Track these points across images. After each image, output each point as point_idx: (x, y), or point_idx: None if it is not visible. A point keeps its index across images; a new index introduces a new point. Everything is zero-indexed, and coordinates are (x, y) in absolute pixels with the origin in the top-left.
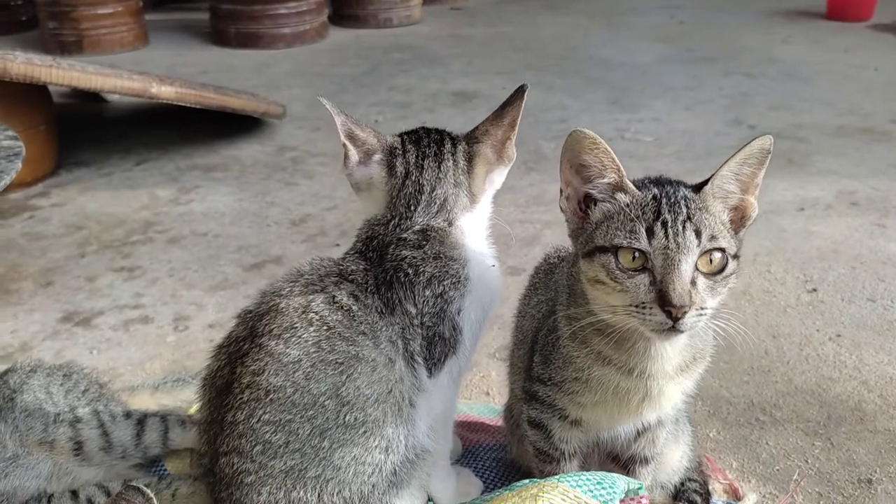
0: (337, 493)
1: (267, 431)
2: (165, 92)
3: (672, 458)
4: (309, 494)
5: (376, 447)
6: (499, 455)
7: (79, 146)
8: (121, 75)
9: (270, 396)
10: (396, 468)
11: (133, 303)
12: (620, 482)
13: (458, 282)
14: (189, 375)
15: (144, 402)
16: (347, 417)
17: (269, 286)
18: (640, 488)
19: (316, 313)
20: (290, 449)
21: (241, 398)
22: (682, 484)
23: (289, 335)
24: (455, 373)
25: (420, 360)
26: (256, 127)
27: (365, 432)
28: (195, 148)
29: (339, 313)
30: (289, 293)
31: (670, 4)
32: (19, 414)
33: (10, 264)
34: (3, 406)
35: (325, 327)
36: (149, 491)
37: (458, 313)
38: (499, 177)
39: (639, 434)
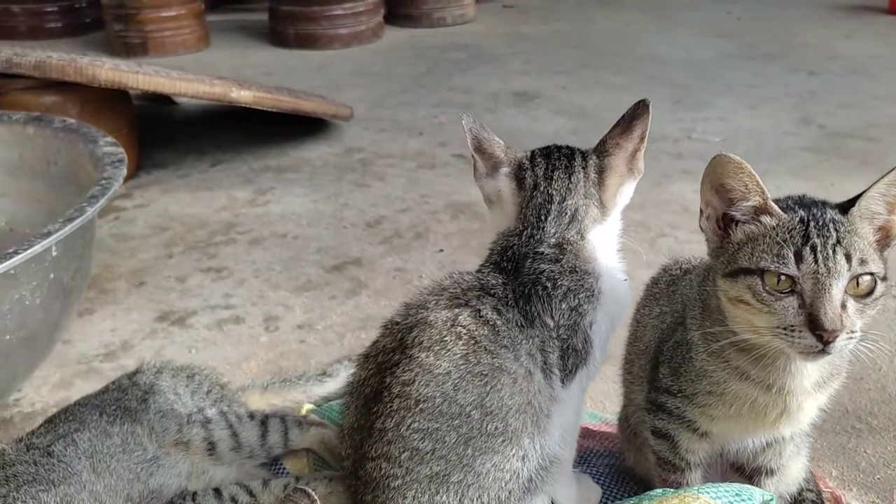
0: (477, 498)
1: (415, 439)
2: (244, 96)
3: (794, 470)
4: (451, 498)
5: (514, 455)
6: (610, 462)
7: (154, 148)
8: (203, 80)
9: (420, 406)
10: (532, 475)
11: (223, 303)
12: (756, 494)
13: (592, 295)
14: (294, 377)
15: (255, 401)
16: (490, 427)
17: (413, 299)
18: (771, 500)
19: (463, 327)
20: (436, 455)
21: (392, 406)
22: (800, 494)
23: (438, 348)
24: (584, 383)
25: (556, 371)
26: (322, 128)
27: (504, 441)
28: (266, 149)
29: (484, 327)
30: (434, 306)
31: None
32: (154, 415)
33: (103, 264)
34: (138, 408)
35: (472, 341)
36: (314, 494)
37: (591, 326)
38: (628, 190)
39: (767, 446)
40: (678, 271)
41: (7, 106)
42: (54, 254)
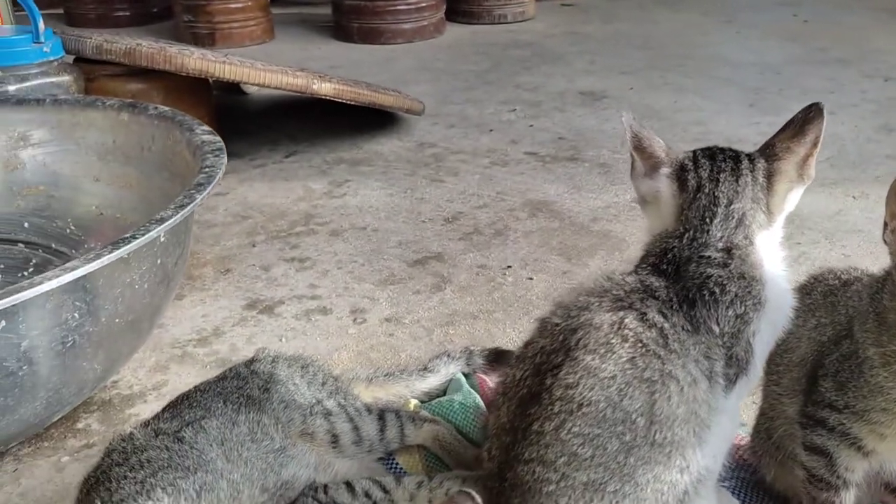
0: None
1: (575, 444)
2: (325, 88)
3: None
4: None
5: (676, 467)
6: (744, 475)
7: (229, 138)
8: (285, 71)
9: (583, 410)
10: (687, 488)
11: (309, 293)
12: None
13: (758, 303)
14: (397, 370)
15: (361, 394)
16: (657, 436)
17: (570, 299)
18: None
19: (630, 330)
20: (595, 462)
21: (552, 409)
22: None
23: (604, 350)
24: (742, 394)
25: (721, 380)
26: (391, 122)
27: (669, 452)
28: (338, 142)
29: (652, 331)
30: (598, 308)
31: (790, 1)
32: (278, 405)
33: (189, 251)
34: (261, 397)
35: (639, 344)
36: (478, 497)
37: (754, 335)
38: (796, 196)
39: None
40: (836, 282)
41: (95, 92)
42: (162, 240)
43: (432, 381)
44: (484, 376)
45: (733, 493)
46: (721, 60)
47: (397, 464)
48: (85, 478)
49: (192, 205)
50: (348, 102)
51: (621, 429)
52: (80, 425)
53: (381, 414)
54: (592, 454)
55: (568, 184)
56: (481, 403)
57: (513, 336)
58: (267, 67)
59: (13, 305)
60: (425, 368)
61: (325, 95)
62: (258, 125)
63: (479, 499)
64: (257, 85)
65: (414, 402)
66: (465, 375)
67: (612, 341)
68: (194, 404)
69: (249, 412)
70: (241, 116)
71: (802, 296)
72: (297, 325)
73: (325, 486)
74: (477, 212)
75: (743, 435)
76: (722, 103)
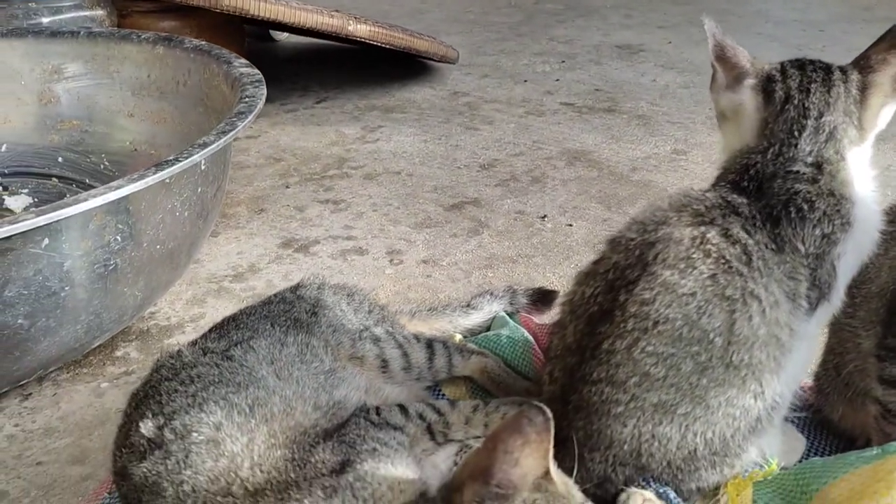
0: (701, 433)
1: (648, 364)
2: (361, 30)
3: None
4: (674, 431)
5: (751, 392)
6: (805, 415)
7: None
8: (321, 11)
9: (658, 328)
10: (760, 415)
11: (345, 234)
12: None
13: (846, 223)
14: (440, 306)
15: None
16: (734, 357)
17: (646, 215)
18: None
19: (713, 245)
20: (667, 384)
21: (625, 327)
22: None
23: (684, 265)
24: (822, 320)
25: (803, 303)
26: (424, 71)
27: (745, 375)
28: (369, 89)
29: (735, 247)
30: (677, 222)
31: None
32: (326, 328)
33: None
34: (309, 321)
35: (721, 260)
36: (548, 412)
37: (839, 257)
38: (888, 112)
39: None
40: None
41: (127, 28)
42: (203, 168)
43: (475, 318)
44: (528, 315)
45: (799, 430)
46: (763, 17)
47: (444, 395)
48: (133, 392)
49: (233, 132)
50: (383, 46)
51: (697, 349)
52: (118, 353)
53: (430, 343)
54: (665, 374)
55: (606, 134)
56: (530, 338)
57: (553, 280)
58: (302, 7)
59: (57, 222)
60: (468, 305)
61: (361, 37)
62: (288, 72)
63: (549, 412)
64: (292, 24)
65: (459, 336)
66: (509, 315)
67: (694, 256)
68: (241, 326)
69: (298, 334)
70: (270, 63)
71: (888, 222)
72: (334, 265)
73: (378, 408)
74: (513, 159)
75: (805, 379)
76: (764, 60)
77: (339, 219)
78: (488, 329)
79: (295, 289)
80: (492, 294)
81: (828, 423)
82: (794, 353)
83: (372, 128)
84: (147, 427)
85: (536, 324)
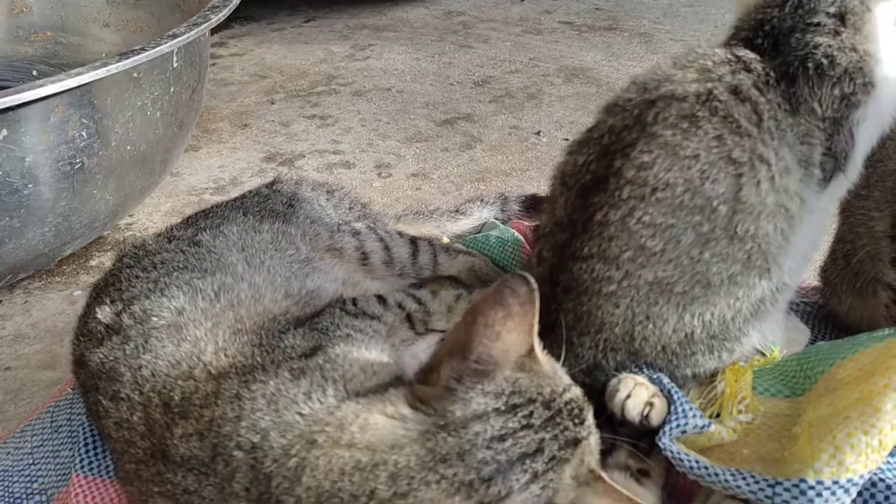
0: (699, 315)
1: (644, 235)
2: None
3: None
4: (670, 312)
5: (756, 268)
6: (809, 309)
7: (243, 2)
8: None
9: (657, 195)
10: (764, 296)
11: (331, 148)
12: None
13: (869, 83)
14: (427, 211)
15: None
16: (739, 228)
17: (647, 75)
18: None
19: (720, 102)
20: (665, 259)
21: (620, 195)
22: None
23: (687, 125)
24: (837, 196)
25: (816, 171)
26: None
27: (750, 249)
28: (359, 9)
29: (745, 105)
30: (682, 79)
31: None
32: (303, 220)
33: (204, 107)
34: (285, 212)
35: (729, 119)
36: (533, 282)
37: (858, 124)
38: None
39: None
40: None
41: None
42: (175, 65)
43: (465, 224)
44: (519, 221)
45: (802, 321)
46: None
47: None
48: (94, 284)
49: (206, 24)
50: None
51: (699, 218)
52: (93, 262)
53: (413, 240)
54: (663, 248)
55: (606, 52)
56: (520, 237)
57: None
58: None
59: (15, 112)
60: (457, 211)
61: None
62: None
63: (533, 283)
64: None
65: (446, 238)
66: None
67: (698, 114)
68: (211, 215)
69: (273, 223)
70: None
71: None
72: (319, 178)
73: (355, 299)
74: (509, 76)
75: (808, 279)
76: None
77: (326, 133)
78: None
79: (271, 184)
80: (482, 200)
81: (834, 317)
82: (804, 227)
83: (362, 46)
84: (104, 313)
85: (528, 227)
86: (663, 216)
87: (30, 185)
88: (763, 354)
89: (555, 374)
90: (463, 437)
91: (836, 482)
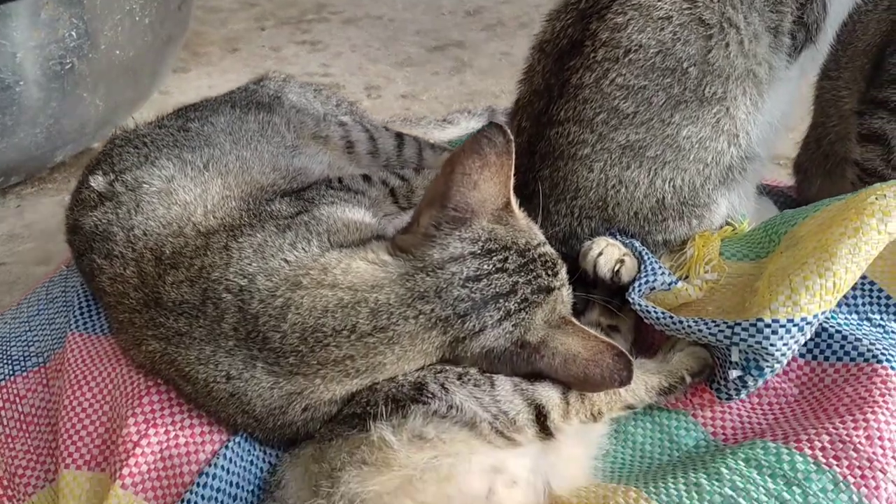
0: (669, 180)
1: (617, 97)
2: None
3: None
4: (642, 176)
5: (724, 133)
6: (778, 200)
7: None
8: None
9: (630, 56)
10: (733, 164)
11: (321, 71)
12: None
13: None
14: (414, 118)
15: None
16: (707, 90)
17: None
18: None
19: None
20: (637, 121)
21: (594, 57)
22: None
23: None
24: (806, 69)
25: (786, 40)
26: None
27: (718, 113)
28: None
29: None
30: None
31: None
32: (289, 110)
33: (193, 31)
34: (272, 102)
35: None
36: (509, 132)
37: None
38: None
39: None
40: None
41: None
42: None
43: (452, 133)
44: None
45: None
46: None
47: None
48: (86, 165)
49: None
50: None
51: (669, 80)
52: None
53: (399, 134)
54: (635, 110)
55: None
56: None
57: None
58: None
59: (5, 6)
60: (445, 120)
61: None
62: None
63: (510, 133)
64: None
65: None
66: None
67: None
68: (200, 107)
69: (259, 113)
70: None
71: None
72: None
73: (340, 178)
74: (501, 6)
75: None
76: None
77: (316, 58)
78: None
79: (259, 80)
80: (469, 112)
81: (805, 203)
82: (773, 96)
83: None
84: (97, 182)
85: None
86: (636, 78)
87: (21, 83)
88: (732, 226)
89: (530, 230)
90: (440, 276)
91: (790, 320)
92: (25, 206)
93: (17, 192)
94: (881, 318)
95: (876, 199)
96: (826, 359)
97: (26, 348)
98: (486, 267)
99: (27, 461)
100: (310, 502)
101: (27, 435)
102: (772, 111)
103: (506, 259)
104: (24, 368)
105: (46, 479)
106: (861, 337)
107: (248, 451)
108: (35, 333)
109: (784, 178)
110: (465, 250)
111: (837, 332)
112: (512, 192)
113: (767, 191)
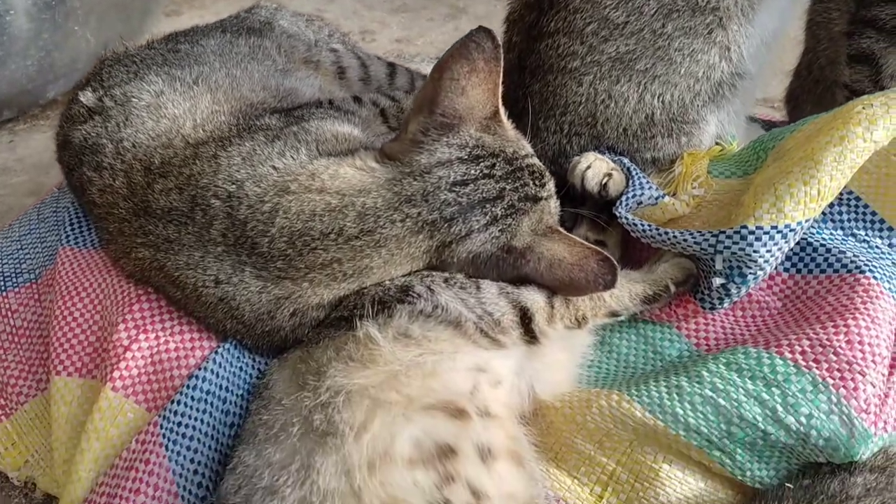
0: (659, 95)
1: (608, 6)
2: None
3: None
4: (631, 90)
5: (716, 45)
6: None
7: None
8: None
9: None
10: (724, 80)
11: (316, 15)
12: None
13: None
14: (408, 54)
15: None
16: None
17: None
18: None
19: None
20: (628, 31)
21: None
22: None
23: None
24: None
25: None
26: None
27: (711, 23)
28: None
29: None
30: None
31: None
32: (280, 34)
33: None
34: (263, 28)
35: None
36: (497, 38)
37: None
38: None
39: None
40: None
41: None
42: None
43: None
44: None
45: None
46: None
47: None
48: (76, 84)
49: None
50: None
51: None
52: None
53: (391, 63)
54: (626, 19)
55: None
56: None
57: None
58: None
59: None
60: (438, 58)
61: None
62: None
63: (497, 39)
64: None
65: None
66: None
67: None
68: (190, 32)
69: (250, 38)
70: None
71: None
72: None
73: (330, 100)
74: None
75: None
76: None
77: (311, 2)
78: None
79: (249, 9)
80: None
81: None
82: (765, 8)
83: None
84: (87, 97)
85: None
86: None
87: (11, 12)
88: (721, 146)
89: (518, 141)
90: (427, 180)
91: (774, 227)
92: (18, 141)
93: (9, 128)
94: (866, 234)
95: (863, 108)
96: (810, 272)
97: (18, 265)
98: (473, 172)
99: (19, 372)
100: (296, 395)
101: (19, 347)
102: (764, 25)
103: (493, 165)
104: (15, 284)
105: (38, 389)
106: (845, 250)
107: (238, 357)
108: (27, 251)
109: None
110: (452, 155)
111: (822, 245)
112: (500, 101)
113: (759, 124)
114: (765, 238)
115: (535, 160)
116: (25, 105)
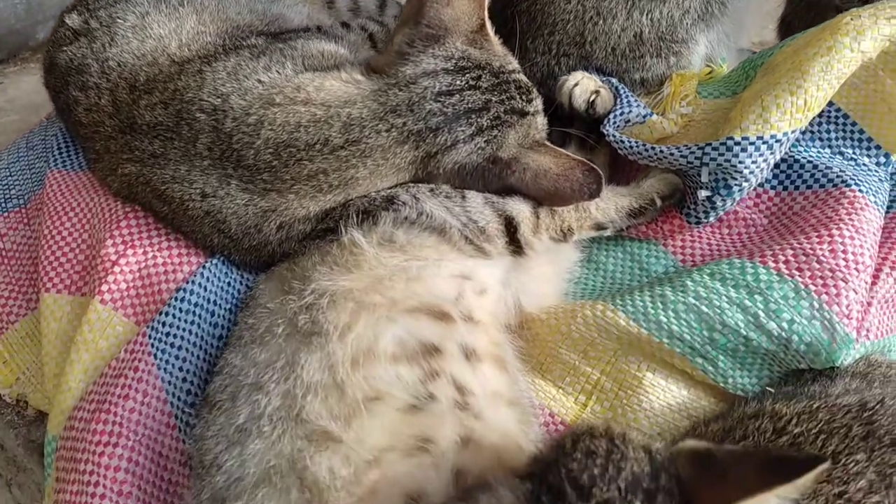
0: (647, 12)
1: None
2: None
3: None
4: (620, 7)
5: None
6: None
7: None
8: None
9: None
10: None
11: None
12: None
13: None
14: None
15: None
16: None
17: None
18: None
19: None
20: None
21: None
22: None
23: None
24: None
25: None
26: None
27: None
28: None
29: None
30: None
31: None
32: None
33: None
34: None
35: None
36: None
37: None
38: None
39: None
40: None
41: None
42: None
43: None
44: None
45: None
46: None
47: None
48: (62, 9)
49: None
50: None
51: None
52: None
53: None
54: None
55: None
56: None
57: None
58: None
59: None
60: None
61: None
62: None
63: None
64: None
65: None
66: None
67: None
68: None
69: None
70: None
71: None
72: None
73: (318, 26)
74: None
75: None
76: None
77: None
78: None
79: None
80: None
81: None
82: None
83: None
84: (72, 19)
85: None
86: None
87: None
88: (710, 69)
89: (505, 56)
90: (412, 90)
91: (760, 137)
92: (8, 83)
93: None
94: (853, 153)
95: (851, 19)
96: (796, 188)
97: (7, 191)
98: (458, 83)
99: (9, 292)
100: (281, 299)
101: (9, 269)
102: None
103: (479, 77)
104: (4, 209)
105: (28, 308)
106: (832, 166)
107: (226, 273)
108: (16, 178)
109: None
110: (437, 66)
111: (809, 161)
112: (487, 15)
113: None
114: (750, 149)
115: (523, 76)
116: (15, 47)
